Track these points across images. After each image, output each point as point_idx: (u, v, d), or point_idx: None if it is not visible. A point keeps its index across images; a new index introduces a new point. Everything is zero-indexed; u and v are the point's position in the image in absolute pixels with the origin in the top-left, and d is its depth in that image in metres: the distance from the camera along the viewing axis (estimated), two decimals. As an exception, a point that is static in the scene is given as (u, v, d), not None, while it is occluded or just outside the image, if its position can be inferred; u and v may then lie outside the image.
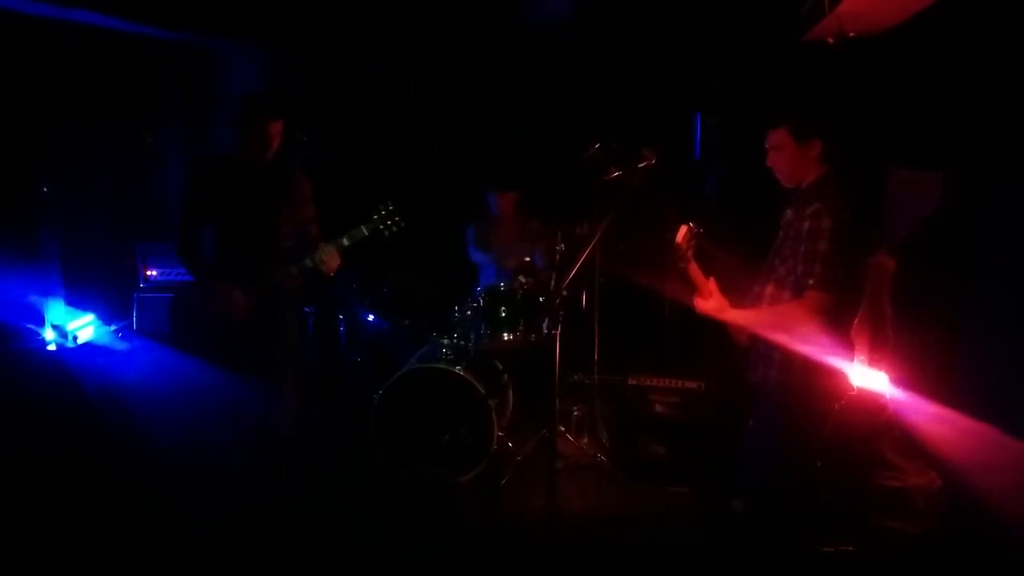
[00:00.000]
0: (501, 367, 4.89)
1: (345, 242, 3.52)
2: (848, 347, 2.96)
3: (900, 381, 3.53)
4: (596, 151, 4.27)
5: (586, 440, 4.89)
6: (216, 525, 3.51)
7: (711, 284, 2.98)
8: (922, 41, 3.87)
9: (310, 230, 3.66)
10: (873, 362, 3.78)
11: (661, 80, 5.46)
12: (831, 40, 4.25)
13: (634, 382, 4.57)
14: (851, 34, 4.19)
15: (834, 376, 2.90)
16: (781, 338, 2.85)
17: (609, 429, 4.84)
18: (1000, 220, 3.28)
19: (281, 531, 3.57)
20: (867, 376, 3.72)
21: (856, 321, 3.98)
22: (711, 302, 2.95)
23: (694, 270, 3.00)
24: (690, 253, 2.93)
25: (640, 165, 3.47)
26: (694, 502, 4.18)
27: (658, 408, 4.49)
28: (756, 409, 3.13)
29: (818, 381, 2.88)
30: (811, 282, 2.76)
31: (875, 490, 3.59)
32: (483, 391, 4.35)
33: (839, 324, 2.89)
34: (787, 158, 2.95)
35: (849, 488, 3.65)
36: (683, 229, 2.91)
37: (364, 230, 3.54)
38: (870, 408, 3.63)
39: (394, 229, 3.58)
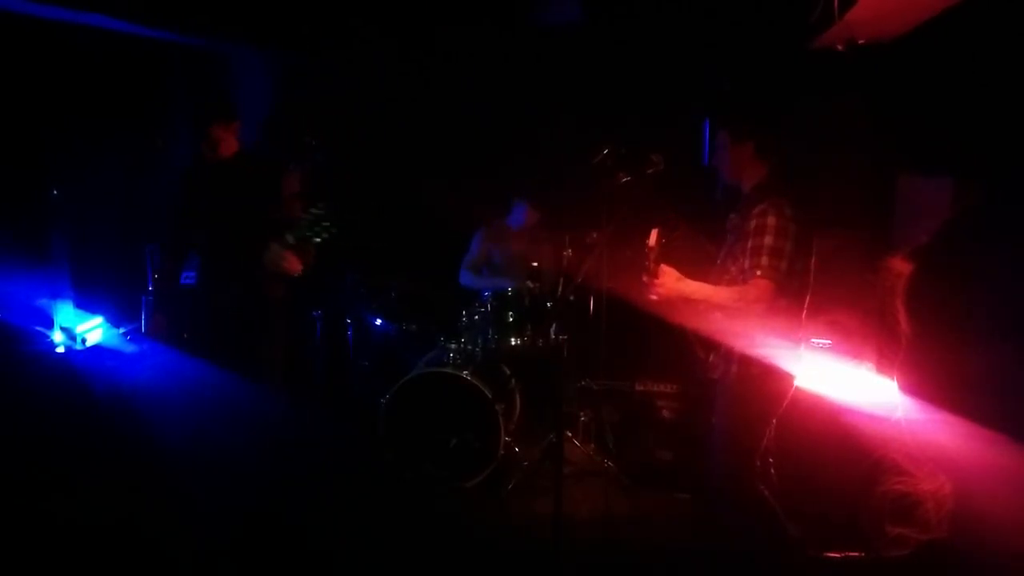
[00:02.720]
0: (508, 372, 4.89)
1: (291, 240, 3.50)
2: (796, 341, 3.08)
3: (910, 387, 3.53)
4: (605, 156, 4.27)
5: (593, 446, 4.88)
6: (223, 527, 3.52)
7: (663, 267, 3.02)
8: (932, 48, 3.87)
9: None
10: (882, 367, 3.78)
11: (670, 85, 5.46)
12: (841, 47, 4.25)
13: (641, 388, 4.57)
14: (861, 41, 4.19)
15: (785, 372, 3.02)
16: (733, 326, 2.99)
17: (616, 435, 4.83)
18: (1013, 226, 3.27)
19: (287, 534, 3.57)
20: (846, 379, 3.76)
21: (860, 327, 3.99)
22: (667, 275, 2.98)
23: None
24: (659, 255, 3.00)
25: (649, 171, 3.49)
26: (701, 508, 4.16)
27: (665, 414, 4.49)
28: (716, 403, 3.19)
29: (771, 377, 2.99)
30: (758, 272, 2.92)
31: (884, 496, 3.58)
32: (490, 396, 4.35)
33: (787, 315, 3.01)
34: (726, 157, 3.16)
35: (857, 494, 3.65)
36: (654, 233, 2.99)
37: (290, 238, 3.49)
38: (815, 409, 3.68)
39: (324, 235, 3.47)
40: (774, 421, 3.13)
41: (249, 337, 3.67)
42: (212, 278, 3.66)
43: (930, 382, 3.38)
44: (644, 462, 4.48)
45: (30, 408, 4.50)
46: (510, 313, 4.78)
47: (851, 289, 3.97)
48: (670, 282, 2.98)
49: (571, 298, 4.41)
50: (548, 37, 5.72)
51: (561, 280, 4.85)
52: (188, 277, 3.85)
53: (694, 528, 3.96)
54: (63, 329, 5.00)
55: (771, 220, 2.92)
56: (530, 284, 4.84)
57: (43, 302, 5.01)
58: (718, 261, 3.19)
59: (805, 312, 3.14)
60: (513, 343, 4.74)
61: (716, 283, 3.10)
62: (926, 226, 3.70)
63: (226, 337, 3.63)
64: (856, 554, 3.52)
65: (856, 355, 3.93)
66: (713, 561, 3.48)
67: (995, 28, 3.39)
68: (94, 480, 4.14)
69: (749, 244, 2.95)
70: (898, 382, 3.64)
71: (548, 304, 4.81)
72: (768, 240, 2.91)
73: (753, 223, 2.96)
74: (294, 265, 3.54)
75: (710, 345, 3.12)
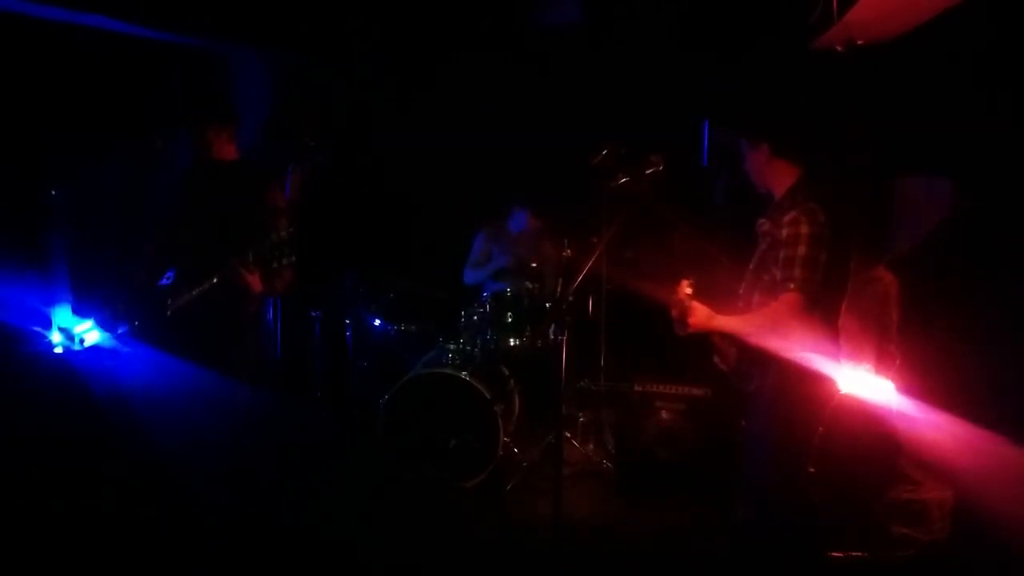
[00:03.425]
0: (507, 372, 4.89)
1: (249, 257, 3.36)
2: (835, 348, 3.01)
3: (907, 390, 3.53)
4: (604, 157, 4.27)
5: (592, 446, 4.88)
6: (223, 527, 3.52)
7: (695, 306, 2.99)
8: (932, 48, 3.87)
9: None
10: (880, 370, 3.78)
11: (670, 85, 5.46)
12: (840, 48, 4.25)
13: (640, 389, 4.56)
14: (860, 42, 4.19)
15: (826, 379, 2.95)
16: (769, 341, 2.90)
17: (615, 435, 4.83)
18: (1008, 228, 3.27)
19: (287, 534, 3.57)
20: (861, 381, 3.73)
21: (860, 330, 3.99)
22: (698, 314, 2.95)
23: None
24: (692, 303, 2.95)
25: (648, 171, 3.47)
26: (700, 509, 4.16)
27: (664, 415, 4.47)
28: (751, 413, 3.14)
29: (812, 384, 2.93)
30: (791, 285, 2.83)
31: (892, 502, 3.57)
32: (489, 397, 4.35)
33: (823, 324, 2.94)
34: (749, 163, 3.09)
35: (865, 500, 3.64)
36: (684, 283, 2.95)
37: (249, 256, 3.36)
38: (861, 413, 3.65)
39: (284, 260, 3.34)
40: (820, 428, 3.05)
41: (218, 347, 3.57)
42: (181, 281, 3.58)
43: (926, 384, 3.38)
44: (644, 463, 4.47)
45: (28, 409, 4.50)
46: (509, 314, 4.78)
47: (850, 291, 3.96)
48: (701, 321, 2.95)
49: (570, 298, 4.41)
50: (548, 37, 5.72)
51: (561, 280, 4.85)
52: (168, 278, 3.80)
53: (696, 529, 3.97)
54: (61, 330, 4.99)
55: (804, 229, 2.82)
56: (529, 284, 4.84)
57: (41, 302, 5.01)
58: (750, 266, 3.11)
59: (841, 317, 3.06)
60: (512, 344, 4.74)
61: (749, 289, 3.05)
62: (923, 230, 3.71)
63: (190, 342, 3.53)
64: (859, 554, 3.52)
65: (855, 357, 3.93)
66: (713, 561, 3.48)
67: (995, 29, 3.38)
68: (93, 481, 4.13)
69: (782, 255, 2.87)
70: (896, 384, 3.64)
71: (547, 304, 4.81)
72: (802, 251, 2.82)
73: (785, 232, 2.87)
74: (254, 284, 3.41)
75: (744, 357, 3.05)
